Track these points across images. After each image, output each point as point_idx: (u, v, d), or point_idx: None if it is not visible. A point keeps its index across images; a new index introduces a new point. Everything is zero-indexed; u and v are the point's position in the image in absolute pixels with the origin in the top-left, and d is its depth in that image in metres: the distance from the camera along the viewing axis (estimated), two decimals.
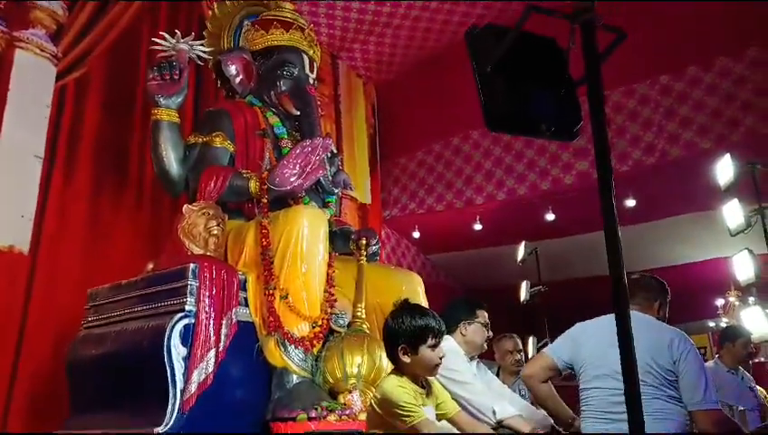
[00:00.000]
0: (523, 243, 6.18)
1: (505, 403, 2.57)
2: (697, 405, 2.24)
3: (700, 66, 5.51)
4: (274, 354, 2.76)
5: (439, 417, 2.04)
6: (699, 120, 5.44)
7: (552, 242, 6.01)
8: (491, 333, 2.83)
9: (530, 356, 5.89)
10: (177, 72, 3.44)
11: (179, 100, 3.47)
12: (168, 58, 3.50)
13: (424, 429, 1.77)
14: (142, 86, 4.07)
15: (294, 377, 2.77)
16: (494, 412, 2.49)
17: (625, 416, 1.10)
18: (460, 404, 2.38)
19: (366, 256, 3.30)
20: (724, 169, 4.15)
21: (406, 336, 1.95)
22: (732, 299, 6.61)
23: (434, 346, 1.95)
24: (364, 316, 3.05)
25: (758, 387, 4.25)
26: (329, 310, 2.97)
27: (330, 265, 3.13)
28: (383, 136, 7.55)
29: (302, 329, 2.82)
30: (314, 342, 2.83)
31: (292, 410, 2.59)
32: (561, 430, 2.59)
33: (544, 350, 2.74)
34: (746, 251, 3.98)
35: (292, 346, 2.76)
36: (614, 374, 2.17)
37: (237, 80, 3.71)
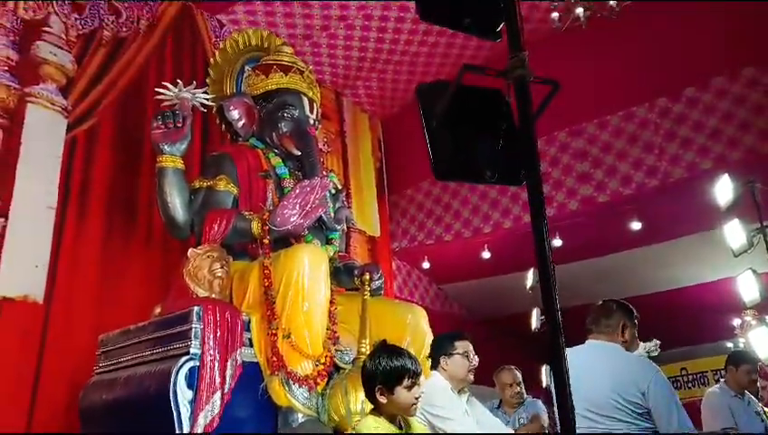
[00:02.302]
0: (532, 270, 6.15)
1: None
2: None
3: (697, 87, 5.56)
4: (279, 394, 2.79)
5: None
6: (699, 140, 5.48)
7: (559, 268, 5.95)
8: (475, 362, 2.84)
9: (544, 385, 5.84)
10: (181, 120, 3.55)
11: (183, 147, 3.55)
12: (171, 107, 3.62)
13: None
14: (150, 133, 4.20)
15: (299, 416, 2.79)
16: None
17: None
18: None
19: (369, 291, 3.34)
20: (723, 190, 4.15)
21: (382, 377, 2.00)
22: (748, 319, 6.49)
23: (410, 387, 1.99)
24: (368, 352, 3.07)
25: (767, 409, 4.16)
26: (332, 347, 3.01)
27: (332, 302, 3.18)
28: (390, 168, 7.65)
29: (305, 367, 2.85)
30: (318, 380, 2.86)
31: None
32: None
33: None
34: (750, 271, 3.96)
35: (296, 385, 2.79)
36: (582, 412, 2.16)
37: (240, 124, 3.83)
